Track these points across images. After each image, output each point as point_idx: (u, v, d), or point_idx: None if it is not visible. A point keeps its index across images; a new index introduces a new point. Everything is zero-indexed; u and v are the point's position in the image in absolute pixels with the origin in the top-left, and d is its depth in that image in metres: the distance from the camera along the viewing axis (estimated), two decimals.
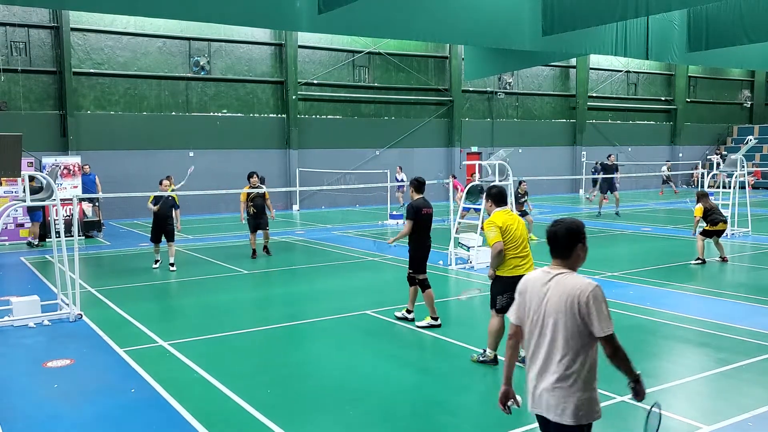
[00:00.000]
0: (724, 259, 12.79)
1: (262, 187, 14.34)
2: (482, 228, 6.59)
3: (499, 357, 6.65)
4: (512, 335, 3.67)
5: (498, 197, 6.82)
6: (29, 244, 16.61)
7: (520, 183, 16.81)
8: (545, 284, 3.45)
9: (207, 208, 24.68)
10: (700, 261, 12.57)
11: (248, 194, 13.91)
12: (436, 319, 8.33)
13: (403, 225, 8.40)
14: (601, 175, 22.49)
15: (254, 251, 14.14)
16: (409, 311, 8.64)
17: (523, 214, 17.01)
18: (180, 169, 24.13)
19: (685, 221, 19.62)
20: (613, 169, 22.03)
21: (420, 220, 8.18)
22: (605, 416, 5.43)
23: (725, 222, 13.01)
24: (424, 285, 8.33)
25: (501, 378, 3.80)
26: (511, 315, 3.68)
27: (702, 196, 13.08)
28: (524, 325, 3.55)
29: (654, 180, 35.53)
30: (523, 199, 16.69)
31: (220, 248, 15.99)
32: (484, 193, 6.95)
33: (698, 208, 12.94)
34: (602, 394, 5.81)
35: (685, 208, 23.69)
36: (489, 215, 6.80)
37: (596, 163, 31.64)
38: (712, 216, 12.82)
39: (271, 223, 14.84)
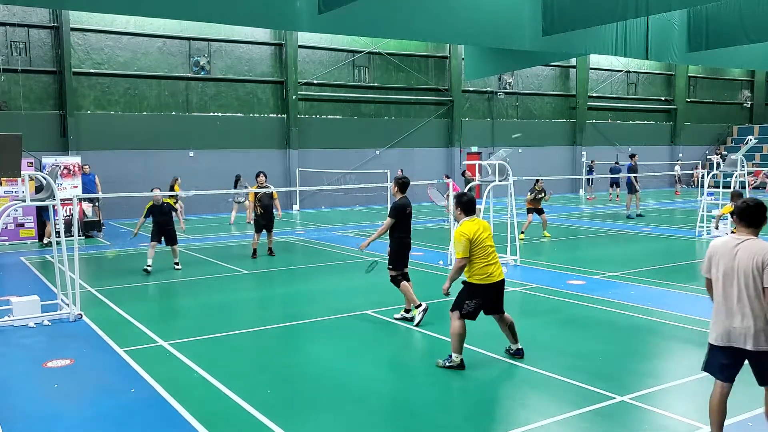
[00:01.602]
0: None
1: (269, 187, 14.30)
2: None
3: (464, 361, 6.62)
4: (707, 285, 4.82)
5: (468, 205, 6.81)
6: (49, 243, 16.51)
7: (537, 181, 16.79)
8: (735, 246, 4.50)
9: (207, 208, 24.69)
10: None
11: (255, 194, 13.90)
12: (408, 311, 8.64)
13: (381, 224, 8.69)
14: (625, 175, 22.16)
15: (255, 251, 14.14)
16: (407, 310, 8.68)
17: (540, 212, 17.00)
18: (180, 169, 24.23)
19: (687, 221, 19.62)
20: (634, 170, 21.90)
21: (403, 218, 8.49)
22: (605, 416, 5.44)
23: None
24: (406, 277, 8.59)
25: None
26: (704, 270, 4.77)
27: (736, 196, 13.10)
28: (713, 277, 4.66)
29: (653, 180, 35.56)
30: (540, 196, 16.65)
31: (221, 248, 16.00)
32: (454, 200, 6.97)
33: (727, 207, 12.96)
34: (602, 394, 5.84)
35: (692, 209, 23.72)
36: (458, 222, 6.81)
37: (591, 162, 31.69)
38: None
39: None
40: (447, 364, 6.65)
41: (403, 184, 8.67)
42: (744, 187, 18.09)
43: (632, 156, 22.75)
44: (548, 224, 17.48)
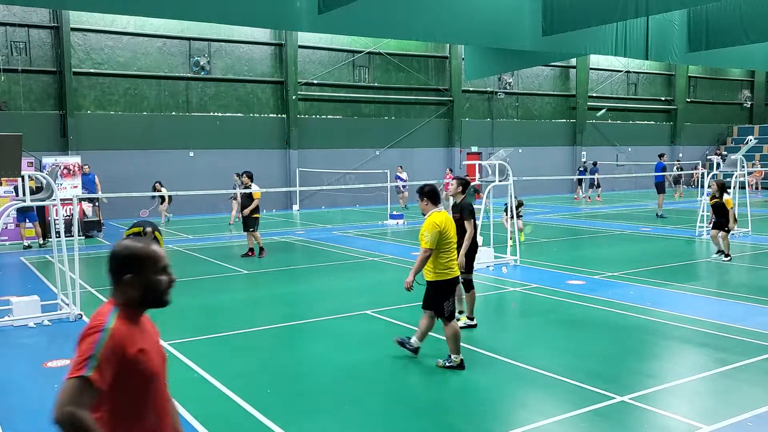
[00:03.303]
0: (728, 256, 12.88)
1: (251, 187, 14.04)
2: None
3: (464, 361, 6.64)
4: None
5: (433, 195, 6.64)
6: (29, 246, 16.51)
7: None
8: None
9: (207, 208, 24.69)
10: (729, 258, 12.60)
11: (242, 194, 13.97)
12: (472, 319, 8.26)
13: (469, 225, 7.96)
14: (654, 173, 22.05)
15: (251, 250, 14.21)
16: (470, 317, 8.29)
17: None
18: (180, 169, 24.24)
19: (687, 221, 19.61)
20: (664, 168, 21.83)
21: (473, 220, 8.08)
22: (606, 416, 5.45)
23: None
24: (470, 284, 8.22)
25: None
26: None
27: (725, 188, 13.10)
28: None
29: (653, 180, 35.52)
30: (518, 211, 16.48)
31: (220, 248, 15.99)
32: (418, 193, 6.77)
33: (729, 200, 12.91)
34: (602, 394, 5.84)
35: (692, 209, 23.72)
36: (425, 215, 6.62)
37: (584, 163, 31.73)
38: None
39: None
40: (447, 364, 6.64)
41: (466, 183, 8.27)
42: (744, 187, 18.09)
43: (661, 155, 22.68)
44: (548, 224, 17.47)
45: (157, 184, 19.94)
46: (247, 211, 13.83)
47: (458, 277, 6.67)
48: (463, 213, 7.96)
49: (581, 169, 30.82)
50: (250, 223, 13.97)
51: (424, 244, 6.38)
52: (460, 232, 7.67)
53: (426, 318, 6.78)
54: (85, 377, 2.31)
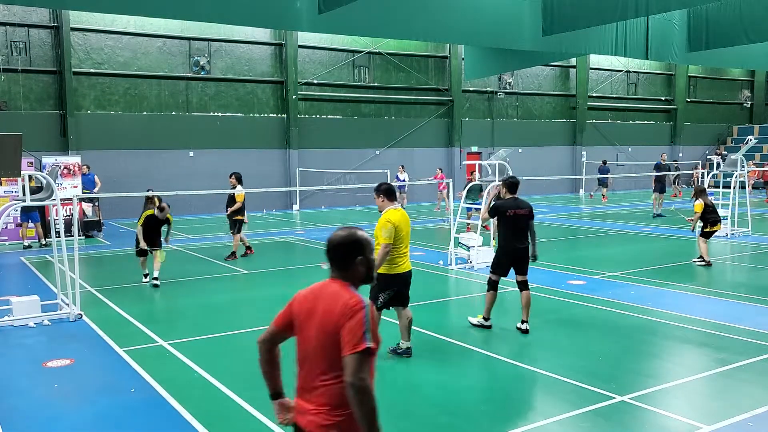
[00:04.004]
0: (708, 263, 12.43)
1: (236, 187, 13.60)
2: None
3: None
4: None
5: (389, 192, 6.79)
6: (29, 246, 16.52)
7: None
8: None
9: (207, 208, 24.67)
10: (705, 263, 12.28)
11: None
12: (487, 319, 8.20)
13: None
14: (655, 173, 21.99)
15: (233, 253, 13.96)
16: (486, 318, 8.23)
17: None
18: (180, 169, 24.23)
19: (686, 221, 19.62)
20: (666, 168, 21.78)
21: (503, 220, 7.91)
22: (606, 416, 5.44)
23: (720, 222, 12.82)
24: (494, 286, 8.11)
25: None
26: None
27: (701, 192, 12.72)
28: None
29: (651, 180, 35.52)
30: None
31: (220, 248, 15.98)
32: (375, 190, 6.88)
33: (698, 205, 12.49)
34: (602, 394, 5.84)
35: (692, 209, 23.71)
36: (381, 212, 6.76)
37: (603, 163, 31.79)
38: (712, 216, 12.48)
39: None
40: (398, 351, 7.00)
41: (511, 184, 8.04)
42: (744, 187, 18.10)
43: (662, 155, 22.69)
44: (548, 224, 17.47)
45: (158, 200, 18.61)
46: (229, 210, 13.68)
47: (403, 274, 6.77)
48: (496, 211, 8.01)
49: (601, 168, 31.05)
50: (231, 225, 13.87)
51: (382, 240, 6.53)
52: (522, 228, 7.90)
53: (399, 317, 7.01)
54: (369, 348, 2.74)
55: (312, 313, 3.06)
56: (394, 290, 6.73)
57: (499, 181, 8.19)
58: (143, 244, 11.45)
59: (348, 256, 3.15)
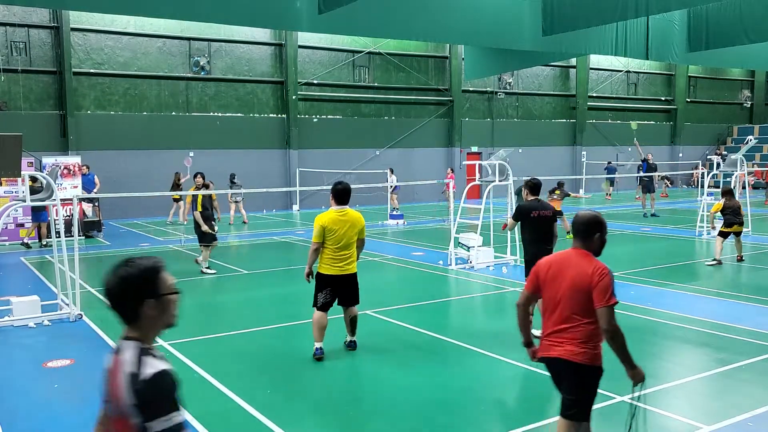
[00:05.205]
0: (739, 258, 12.73)
1: (208, 186, 13.14)
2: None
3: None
4: None
5: (340, 194, 7.10)
6: (29, 246, 16.52)
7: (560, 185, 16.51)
8: None
9: None
10: (715, 262, 12.35)
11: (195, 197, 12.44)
12: None
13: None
14: (641, 174, 22.03)
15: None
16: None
17: (559, 213, 16.75)
18: (180, 169, 24.20)
19: (687, 221, 19.61)
20: (653, 168, 21.85)
21: (527, 222, 7.78)
22: (606, 416, 5.44)
23: (740, 224, 12.79)
24: None
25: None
26: None
27: (726, 193, 12.94)
28: None
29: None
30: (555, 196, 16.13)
31: (220, 248, 15.97)
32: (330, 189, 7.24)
33: (717, 204, 12.83)
34: (602, 394, 5.83)
35: (692, 209, 23.70)
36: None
37: (609, 163, 31.88)
38: (727, 216, 12.64)
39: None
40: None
41: (534, 185, 7.91)
42: (744, 187, 18.10)
43: (648, 155, 22.71)
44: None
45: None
46: (219, 215, 13.55)
47: (340, 276, 6.96)
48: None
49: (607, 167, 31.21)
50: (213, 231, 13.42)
51: (313, 238, 6.92)
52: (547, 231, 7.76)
53: (344, 313, 7.32)
54: (616, 302, 3.85)
55: (558, 275, 3.93)
56: (330, 290, 6.96)
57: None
58: (206, 228, 11.25)
59: (591, 231, 3.90)
